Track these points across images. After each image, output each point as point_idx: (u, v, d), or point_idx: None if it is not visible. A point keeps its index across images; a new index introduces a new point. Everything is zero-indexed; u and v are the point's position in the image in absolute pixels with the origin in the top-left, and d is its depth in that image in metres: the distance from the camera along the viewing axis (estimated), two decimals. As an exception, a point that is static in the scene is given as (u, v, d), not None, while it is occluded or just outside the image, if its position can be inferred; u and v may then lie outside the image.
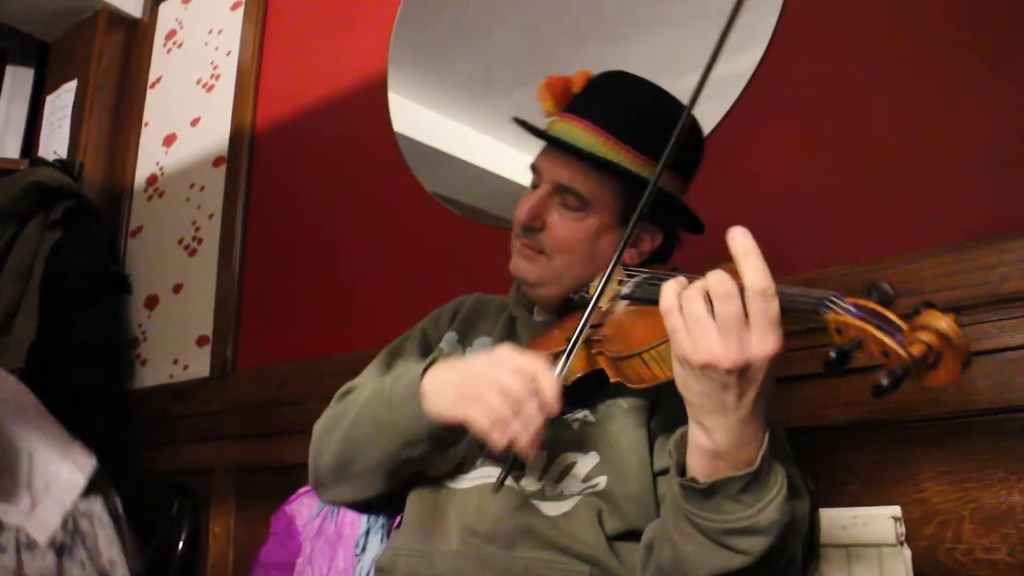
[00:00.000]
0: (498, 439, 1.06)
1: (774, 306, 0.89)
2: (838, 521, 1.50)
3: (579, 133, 1.35)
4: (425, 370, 1.22)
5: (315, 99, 2.86)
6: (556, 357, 1.18)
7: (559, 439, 1.24)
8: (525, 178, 1.48)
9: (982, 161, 1.55)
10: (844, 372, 0.82)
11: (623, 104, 1.39)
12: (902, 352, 0.80)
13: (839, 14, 1.79)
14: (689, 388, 0.95)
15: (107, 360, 3.04)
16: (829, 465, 1.58)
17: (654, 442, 1.22)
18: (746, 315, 0.89)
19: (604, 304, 1.23)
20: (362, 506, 1.42)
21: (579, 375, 1.19)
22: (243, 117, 3.06)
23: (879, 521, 1.47)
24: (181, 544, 2.46)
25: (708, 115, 1.88)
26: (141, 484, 2.78)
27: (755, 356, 0.89)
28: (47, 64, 3.90)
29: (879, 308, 0.84)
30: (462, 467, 1.29)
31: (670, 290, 0.96)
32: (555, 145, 1.37)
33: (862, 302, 0.86)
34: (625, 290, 1.22)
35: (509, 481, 1.19)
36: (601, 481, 1.19)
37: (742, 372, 0.90)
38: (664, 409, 1.25)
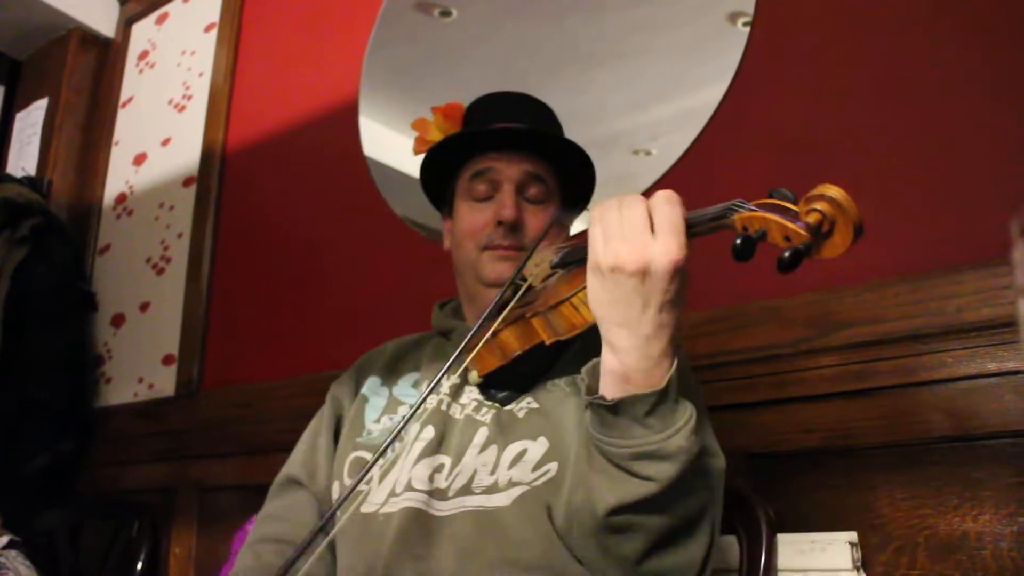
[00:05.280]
0: None
1: (677, 213, 0.95)
2: (795, 546, 1.51)
3: (526, 125, 1.42)
4: None
5: (286, 121, 2.87)
6: (495, 333, 1.22)
7: (508, 428, 1.25)
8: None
9: (940, 194, 1.59)
10: (751, 256, 0.89)
11: (531, 106, 1.51)
12: (801, 230, 0.87)
13: (802, 50, 1.83)
14: (598, 299, 0.98)
15: (71, 378, 3.01)
16: (787, 490, 1.60)
17: None
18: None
19: (537, 283, 1.25)
20: None
21: (518, 352, 1.20)
22: (214, 138, 3.06)
23: (836, 546, 1.49)
24: (140, 564, 2.43)
25: (673, 146, 1.91)
26: (101, 503, 2.76)
27: (655, 259, 0.93)
28: (18, 81, 3.88)
29: (779, 201, 0.91)
30: (394, 490, 1.27)
31: (597, 205, 1.01)
32: (519, 138, 1.41)
33: (763, 200, 0.93)
34: (555, 258, 1.23)
35: (469, 500, 1.20)
36: (552, 468, 1.18)
37: (644, 276, 0.94)
38: None
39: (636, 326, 0.95)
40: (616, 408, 0.97)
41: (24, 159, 3.55)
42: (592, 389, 1.02)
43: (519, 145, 1.41)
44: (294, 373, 2.50)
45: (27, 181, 3.24)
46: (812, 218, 0.86)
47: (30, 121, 3.62)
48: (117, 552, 2.45)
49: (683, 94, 1.96)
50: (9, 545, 2.27)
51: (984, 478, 1.43)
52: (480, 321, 1.19)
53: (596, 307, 0.99)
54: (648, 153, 1.97)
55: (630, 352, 0.96)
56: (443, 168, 1.52)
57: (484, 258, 1.40)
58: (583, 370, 1.06)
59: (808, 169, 1.75)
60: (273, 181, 2.86)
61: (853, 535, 1.50)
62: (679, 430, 0.96)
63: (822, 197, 0.86)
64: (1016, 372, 1.41)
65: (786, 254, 0.85)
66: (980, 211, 1.53)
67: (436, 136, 1.50)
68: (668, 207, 0.95)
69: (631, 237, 0.94)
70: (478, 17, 2.47)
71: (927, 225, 1.59)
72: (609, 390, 0.99)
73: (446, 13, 2.52)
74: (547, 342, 1.17)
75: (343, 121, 2.63)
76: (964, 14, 1.65)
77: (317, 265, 2.62)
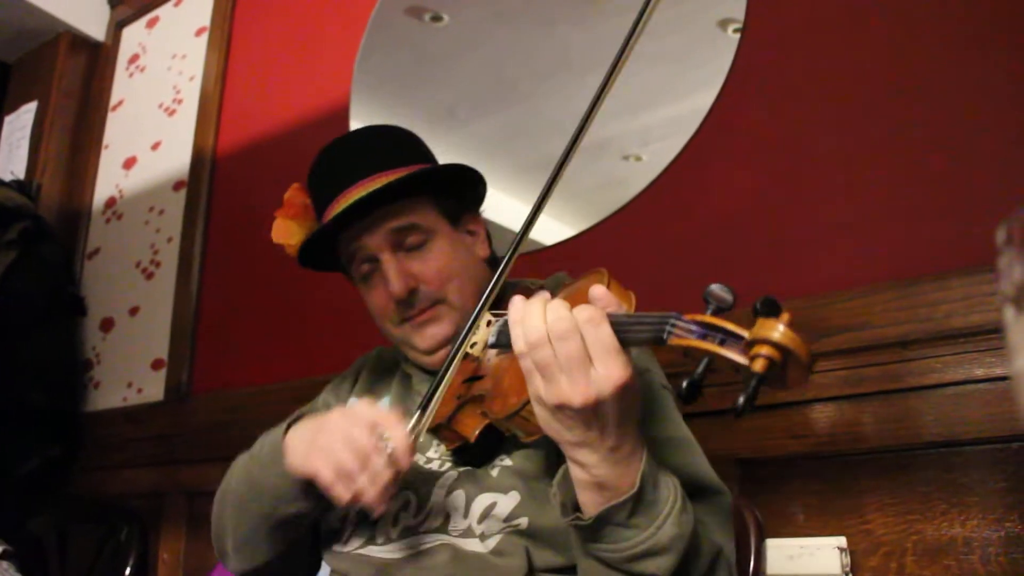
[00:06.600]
0: (341, 492, 1.06)
1: (607, 332, 0.89)
2: (785, 551, 1.52)
3: (363, 190, 1.33)
4: (290, 426, 1.22)
5: (277, 126, 2.86)
6: (451, 419, 1.21)
7: (479, 484, 1.21)
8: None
9: (929, 201, 1.59)
10: (701, 395, 0.82)
11: (364, 153, 1.43)
12: (748, 365, 0.79)
13: (792, 56, 1.83)
14: (551, 427, 0.95)
15: (60, 382, 3.00)
16: (776, 495, 1.60)
17: None
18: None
19: (478, 352, 1.22)
20: None
21: (479, 431, 1.18)
22: (204, 142, 3.05)
23: (825, 552, 1.50)
24: (128, 570, 2.42)
25: (664, 152, 1.91)
26: (90, 508, 2.74)
27: (602, 390, 0.89)
28: (7, 85, 3.87)
29: (718, 322, 0.84)
30: (374, 538, 1.25)
31: (519, 337, 0.95)
32: (363, 208, 1.32)
33: (700, 318, 0.85)
34: (491, 338, 1.19)
35: (446, 538, 1.19)
36: (523, 521, 1.15)
37: (595, 408, 0.89)
38: None
39: (598, 444, 0.92)
40: (597, 523, 0.95)
41: (13, 163, 3.53)
42: (567, 504, 1.00)
43: (372, 209, 1.33)
44: (284, 378, 2.49)
45: (16, 185, 3.23)
46: (759, 365, 0.78)
47: (19, 124, 3.61)
48: (105, 557, 2.44)
49: (674, 100, 1.96)
50: (1, 556, 2.26)
51: (972, 483, 1.44)
52: (426, 396, 1.16)
53: (550, 432, 0.95)
54: (639, 159, 1.98)
55: (597, 466, 0.93)
56: (321, 260, 1.50)
57: (408, 331, 1.36)
58: (555, 483, 1.03)
59: (799, 174, 1.75)
60: (264, 185, 2.84)
61: (842, 540, 1.50)
62: (667, 517, 0.94)
63: (767, 342, 0.78)
64: (1003, 378, 1.41)
65: (740, 400, 0.78)
66: (968, 218, 1.54)
67: (300, 237, 1.49)
68: (596, 330, 0.89)
69: (572, 375, 0.89)
70: (469, 23, 2.47)
71: (915, 232, 1.60)
72: (589, 501, 0.96)
73: (437, 18, 2.52)
74: (506, 434, 1.16)
75: (334, 125, 2.62)
76: (953, 20, 1.66)
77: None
